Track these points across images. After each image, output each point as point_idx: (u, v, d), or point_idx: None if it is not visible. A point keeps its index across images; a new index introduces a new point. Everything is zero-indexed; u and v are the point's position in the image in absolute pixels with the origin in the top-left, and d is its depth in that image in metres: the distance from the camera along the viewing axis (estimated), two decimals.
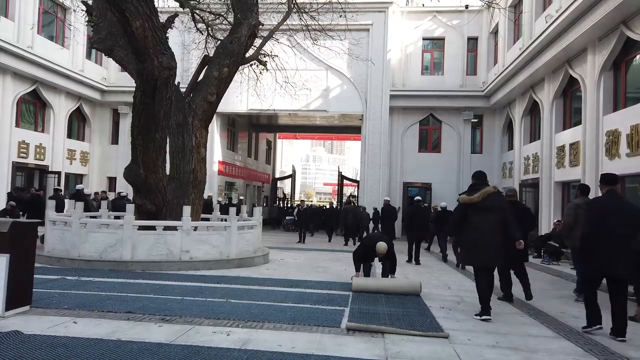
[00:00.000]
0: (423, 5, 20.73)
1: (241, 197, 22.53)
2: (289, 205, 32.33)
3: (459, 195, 6.43)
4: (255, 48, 12.82)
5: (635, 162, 10.41)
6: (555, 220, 13.78)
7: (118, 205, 14.06)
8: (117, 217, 11.47)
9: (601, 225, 5.31)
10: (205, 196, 17.38)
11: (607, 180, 5.57)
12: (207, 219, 12.90)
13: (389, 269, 8.12)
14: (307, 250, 14.02)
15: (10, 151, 16.94)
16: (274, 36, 13.33)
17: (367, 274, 8.37)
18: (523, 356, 4.57)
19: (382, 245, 7.74)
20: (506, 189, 7.86)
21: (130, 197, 18.38)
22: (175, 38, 15.96)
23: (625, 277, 5.29)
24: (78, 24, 16.97)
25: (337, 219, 18.81)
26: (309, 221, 18.84)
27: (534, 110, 17.41)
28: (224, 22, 14.04)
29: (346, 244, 16.10)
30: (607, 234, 5.22)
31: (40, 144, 18.71)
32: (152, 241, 9.46)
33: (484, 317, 5.93)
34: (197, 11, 13.00)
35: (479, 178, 6.38)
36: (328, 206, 27.46)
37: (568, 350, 4.83)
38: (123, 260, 9.17)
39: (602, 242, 5.23)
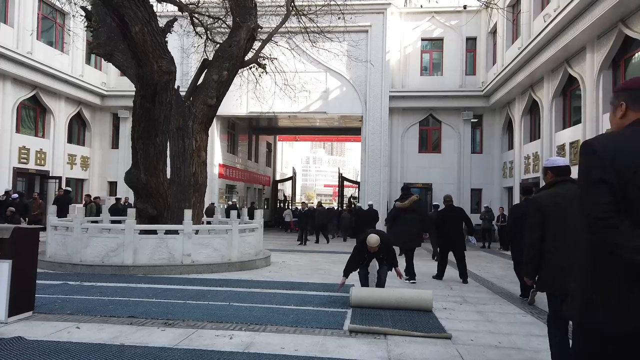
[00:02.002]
0: (421, 6, 20.75)
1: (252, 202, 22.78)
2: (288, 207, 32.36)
3: (395, 202, 9.41)
4: (255, 51, 12.85)
5: None
6: None
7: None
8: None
9: (519, 225, 6.89)
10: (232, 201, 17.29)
11: (524, 191, 7.90)
12: (209, 223, 12.91)
13: (386, 270, 7.07)
14: (309, 253, 14.02)
15: (11, 157, 16.97)
16: (272, 39, 13.37)
17: (364, 283, 7.26)
18: (526, 356, 4.56)
19: (372, 238, 6.57)
20: (445, 196, 9.83)
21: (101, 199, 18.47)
22: (174, 42, 16.01)
23: None
24: (77, 29, 17.03)
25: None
26: (308, 223, 18.84)
27: (533, 109, 17.42)
28: (222, 26, 14.06)
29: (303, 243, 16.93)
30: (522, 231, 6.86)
31: (41, 149, 18.74)
32: (153, 245, 9.46)
33: (411, 282, 8.68)
34: (196, 15, 13.02)
35: (407, 190, 9.71)
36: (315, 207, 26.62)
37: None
38: (125, 265, 9.18)
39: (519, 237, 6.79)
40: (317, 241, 17.84)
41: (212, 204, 17.64)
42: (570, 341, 2.23)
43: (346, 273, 6.94)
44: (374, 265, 7.35)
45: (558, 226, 3.51)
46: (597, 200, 1.83)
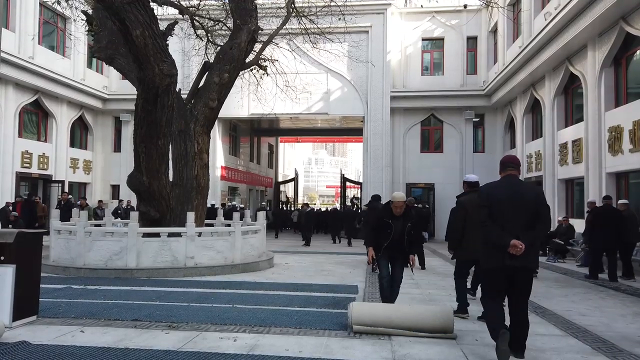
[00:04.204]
0: (421, 6, 20.74)
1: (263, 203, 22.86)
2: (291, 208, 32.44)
3: (364, 206, 11.15)
4: (255, 53, 12.86)
5: (638, 157, 10.38)
6: (561, 218, 13.74)
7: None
8: None
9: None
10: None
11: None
12: (211, 225, 12.91)
13: (401, 272, 5.98)
14: (312, 254, 14.01)
15: (14, 161, 16.99)
16: (273, 41, 13.37)
17: (386, 293, 5.94)
18: (531, 355, 4.54)
19: (398, 194, 5.82)
20: (408, 199, 11.14)
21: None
22: (175, 45, 16.02)
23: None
24: (78, 34, 17.07)
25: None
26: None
27: (535, 108, 17.39)
28: (223, 28, 14.08)
29: (307, 244, 16.85)
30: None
31: (44, 153, 18.77)
32: (156, 248, 9.47)
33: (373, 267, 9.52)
34: (197, 18, 13.05)
35: (375, 197, 11.35)
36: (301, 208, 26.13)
37: (576, 348, 4.81)
38: (128, 268, 9.19)
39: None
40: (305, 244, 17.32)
41: (263, 204, 17.96)
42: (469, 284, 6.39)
43: (370, 244, 5.98)
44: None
45: (471, 218, 5.68)
46: (481, 214, 4.37)
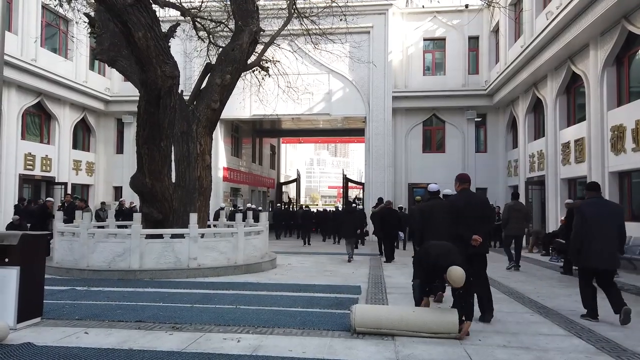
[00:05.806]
0: (423, 6, 20.74)
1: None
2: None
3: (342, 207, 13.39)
4: (257, 54, 12.88)
5: None
6: (562, 217, 13.71)
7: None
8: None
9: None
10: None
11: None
12: (214, 226, 12.94)
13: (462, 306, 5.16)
14: (314, 254, 14.02)
15: (17, 163, 17.04)
16: (275, 42, 13.39)
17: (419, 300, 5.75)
18: (535, 355, 4.55)
19: (457, 272, 4.91)
20: (386, 202, 13.66)
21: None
22: (177, 47, 16.04)
23: None
24: (81, 36, 17.11)
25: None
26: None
27: (537, 107, 17.36)
28: (225, 30, 14.11)
29: (305, 244, 17.36)
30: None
31: (46, 155, 18.83)
32: (159, 249, 9.49)
33: (350, 260, 12.07)
34: (199, 19, 13.07)
35: (349, 202, 14.90)
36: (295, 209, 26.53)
37: (580, 348, 4.81)
38: (131, 269, 9.21)
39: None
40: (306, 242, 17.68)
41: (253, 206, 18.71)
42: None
43: (422, 295, 5.65)
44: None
45: (431, 220, 6.89)
46: (454, 218, 5.89)
